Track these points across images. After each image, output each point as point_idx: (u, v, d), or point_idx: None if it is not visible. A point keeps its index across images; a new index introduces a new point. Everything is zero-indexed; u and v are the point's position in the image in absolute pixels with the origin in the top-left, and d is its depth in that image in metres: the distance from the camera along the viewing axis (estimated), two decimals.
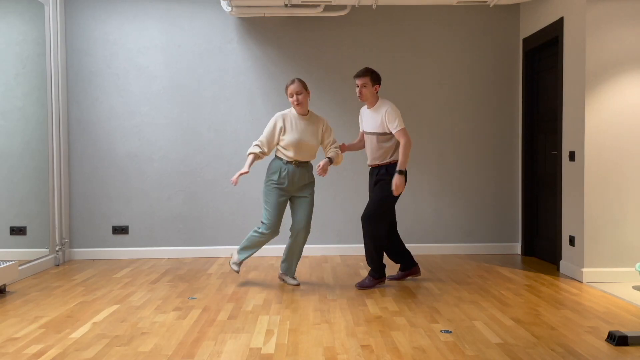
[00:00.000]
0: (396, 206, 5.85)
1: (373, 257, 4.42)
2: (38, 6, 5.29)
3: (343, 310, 3.78)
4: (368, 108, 4.53)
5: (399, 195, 4.37)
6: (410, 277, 4.75)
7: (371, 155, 4.50)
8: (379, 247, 4.43)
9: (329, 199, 5.84)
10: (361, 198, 5.78)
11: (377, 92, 4.47)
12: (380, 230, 4.42)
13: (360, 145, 4.71)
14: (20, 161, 5.15)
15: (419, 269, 4.74)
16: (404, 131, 4.35)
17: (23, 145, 5.19)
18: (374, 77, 4.43)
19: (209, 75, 5.79)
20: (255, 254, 5.79)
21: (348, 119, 5.80)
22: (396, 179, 4.30)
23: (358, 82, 4.42)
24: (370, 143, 4.50)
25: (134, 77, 5.77)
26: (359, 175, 5.80)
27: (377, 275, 4.45)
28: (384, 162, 4.42)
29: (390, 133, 4.39)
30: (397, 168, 4.33)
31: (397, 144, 4.40)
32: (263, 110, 5.80)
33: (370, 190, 4.55)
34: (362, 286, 4.43)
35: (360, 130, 4.69)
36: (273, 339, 3.22)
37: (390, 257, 4.68)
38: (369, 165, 4.55)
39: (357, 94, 4.45)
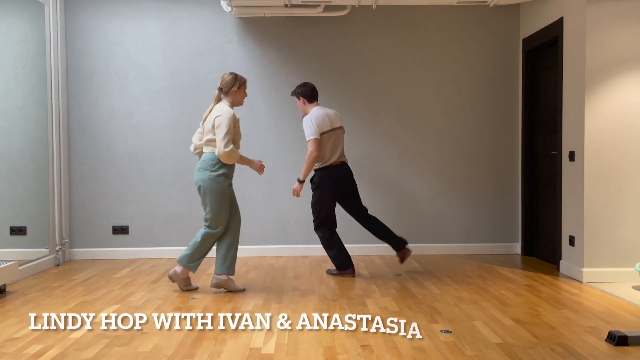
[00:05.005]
0: (396, 206, 5.88)
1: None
2: (38, 6, 5.29)
3: (343, 310, 3.78)
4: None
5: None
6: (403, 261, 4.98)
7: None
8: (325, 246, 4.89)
9: None
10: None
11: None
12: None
13: None
14: (20, 161, 5.15)
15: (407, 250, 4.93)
16: (312, 142, 4.66)
17: (23, 145, 5.19)
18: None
19: (209, 75, 5.78)
20: (256, 254, 5.80)
21: (348, 120, 5.79)
22: (295, 186, 4.80)
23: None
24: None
25: (134, 77, 5.77)
26: (359, 176, 5.79)
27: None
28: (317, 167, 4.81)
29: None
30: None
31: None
32: (263, 110, 5.80)
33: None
34: (331, 272, 4.91)
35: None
36: (273, 339, 3.22)
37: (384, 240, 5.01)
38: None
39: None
